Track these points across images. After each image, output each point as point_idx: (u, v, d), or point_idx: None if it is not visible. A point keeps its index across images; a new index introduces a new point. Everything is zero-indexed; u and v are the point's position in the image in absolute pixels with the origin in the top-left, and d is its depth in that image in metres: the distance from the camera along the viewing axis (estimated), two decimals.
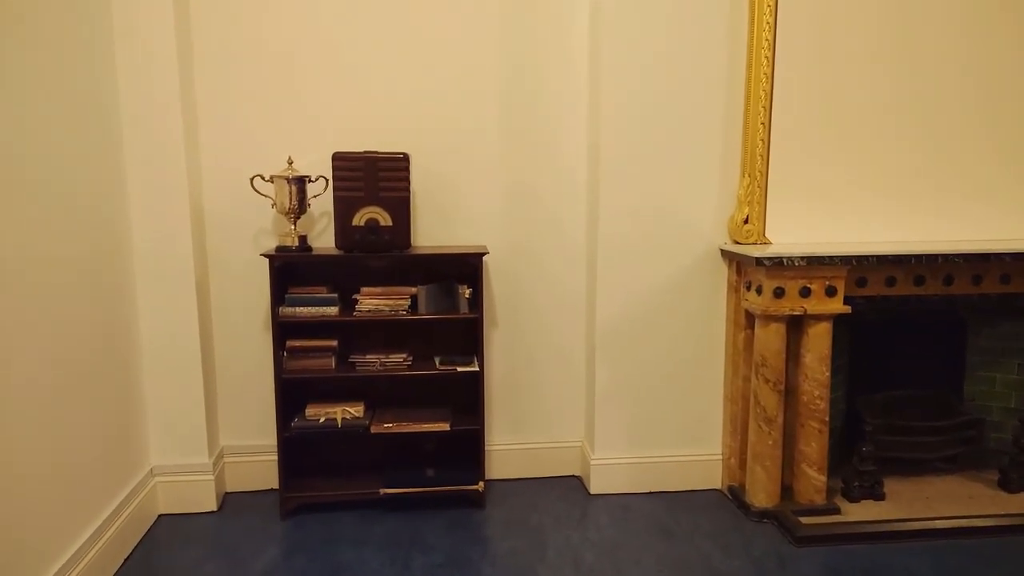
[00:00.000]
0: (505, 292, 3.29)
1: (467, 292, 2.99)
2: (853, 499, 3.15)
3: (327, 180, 2.96)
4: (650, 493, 3.28)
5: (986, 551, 2.76)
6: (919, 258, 2.91)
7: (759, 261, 2.82)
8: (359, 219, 2.83)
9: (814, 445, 3.02)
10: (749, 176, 3.06)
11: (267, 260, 2.84)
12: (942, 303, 3.12)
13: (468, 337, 3.12)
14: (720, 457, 3.31)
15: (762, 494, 3.03)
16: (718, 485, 3.32)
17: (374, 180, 2.82)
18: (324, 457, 3.21)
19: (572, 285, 3.33)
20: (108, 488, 2.66)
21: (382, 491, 2.99)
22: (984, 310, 3.26)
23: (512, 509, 3.11)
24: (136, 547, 2.79)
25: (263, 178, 2.92)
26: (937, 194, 3.24)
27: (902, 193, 3.22)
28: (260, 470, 3.22)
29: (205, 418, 3.02)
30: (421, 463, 3.17)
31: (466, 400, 3.18)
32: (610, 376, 3.20)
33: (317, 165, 2.99)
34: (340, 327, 3.07)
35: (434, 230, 3.21)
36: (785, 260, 2.82)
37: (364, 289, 2.97)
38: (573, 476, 3.45)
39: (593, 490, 3.25)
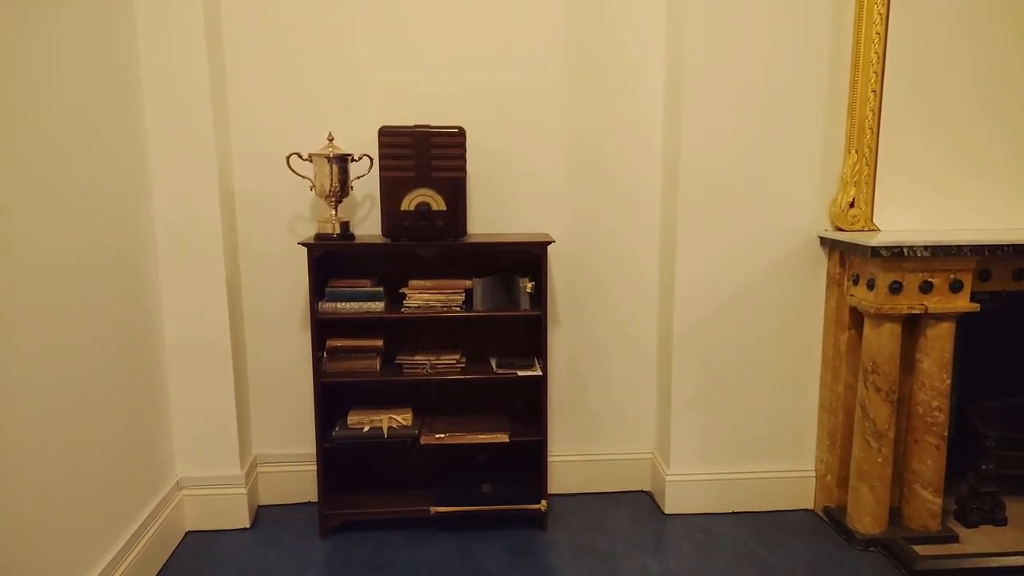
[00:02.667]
0: (569, 283, 2.92)
1: (529, 286, 2.62)
2: (970, 524, 2.74)
3: (371, 159, 2.61)
4: (733, 514, 2.89)
5: None
6: None
7: (874, 251, 2.40)
8: (408, 203, 2.48)
9: (930, 463, 2.60)
10: (856, 152, 2.64)
11: (305, 249, 2.50)
12: None
13: (529, 336, 2.77)
14: (814, 474, 2.91)
15: (868, 518, 2.63)
16: (811, 506, 2.93)
17: (426, 158, 2.46)
18: (368, 469, 2.88)
19: (646, 276, 2.94)
20: (130, 504, 2.37)
21: (433, 510, 2.65)
22: None
23: (578, 530, 2.75)
24: (161, 570, 2.50)
25: (301, 157, 2.58)
26: None
27: (1004, 177, 2.77)
28: (297, 481, 2.90)
29: (236, 425, 2.71)
30: (476, 476, 2.83)
31: (526, 407, 2.83)
32: (689, 380, 2.82)
33: (360, 142, 2.64)
34: (386, 325, 2.73)
35: (490, 214, 2.85)
36: (906, 250, 2.40)
37: (413, 282, 2.63)
38: (642, 492, 3.08)
39: (668, 509, 2.88)
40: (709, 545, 2.66)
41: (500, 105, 2.78)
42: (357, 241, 2.59)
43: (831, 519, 2.80)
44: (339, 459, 2.74)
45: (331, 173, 2.53)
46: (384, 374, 2.65)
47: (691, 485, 2.87)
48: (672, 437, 2.86)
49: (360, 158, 2.63)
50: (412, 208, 2.48)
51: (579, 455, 3.04)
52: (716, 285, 2.75)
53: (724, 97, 2.63)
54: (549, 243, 2.58)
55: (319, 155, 2.53)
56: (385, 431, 2.63)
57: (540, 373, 2.65)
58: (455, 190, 2.49)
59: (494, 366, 2.69)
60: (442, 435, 2.64)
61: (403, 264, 2.71)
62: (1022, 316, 2.82)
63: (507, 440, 2.66)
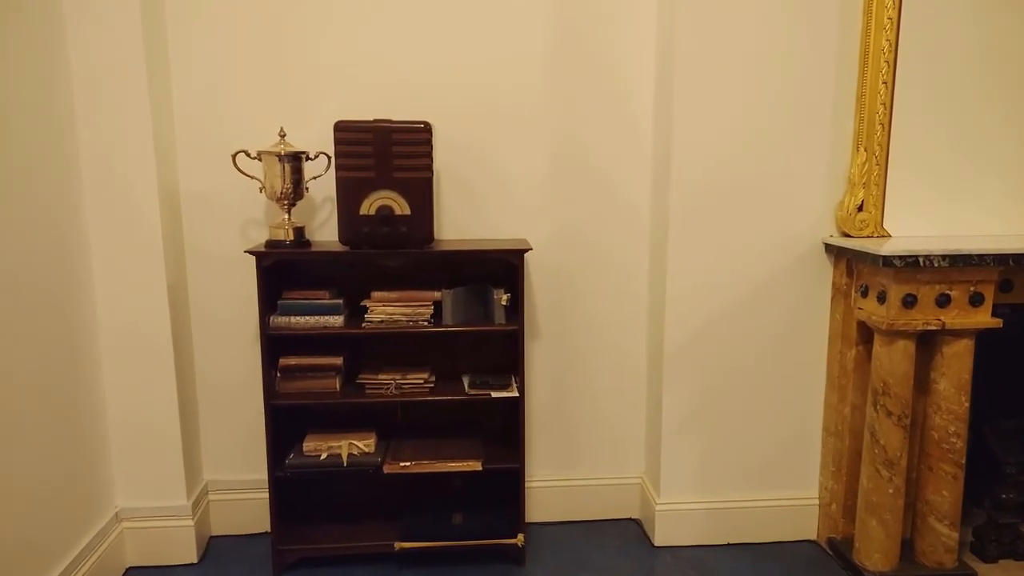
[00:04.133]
0: (550, 294, 2.67)
1: (504, 298, 2.37)
2: (989, 558, 2.51)
3: (329, 158, 2.35)
4: (729, 545, 2.65)
5: None
6: None
7: (887, 261, 2.16)
8: (368, 207, 2.22)
9: (946, 494, 2.36)
10: (866, 151, 2.39)
11: (254, 258, 2.25)
12: None
13: (505, 351, 2.51)
14: (817, 503, 2.66)
15: (877, 554, 2.38)
16: (814, 536, 2.68)
17: (387, 157, 2.21)
18: (327, 498, 2.62)
19: (635, 286, 2.69)
20: (60, 539, 2.13)
21: (397, 546, 2.40)
22: None
23: (559, 567, 2.50)
24: None
25: (249, 155, 2.32)
26: None
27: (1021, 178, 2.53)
28: (253, 509, 2.64)
29: (182, 450, 2.45)
30: (446, 505, 2.58)
31: (502, 429, 2.58)
32: (681, 400, 2.57)
33: (318, 139, 2.38)
34: (346, 341, 2.47)
35: (462, 218, 2.59)
36: (922, 259, 2.15)
37: (376, 294, 2.37)
38: (631, 520, 2.83)
39: (658, 541, 2.63)
40: None
41: (475, 98, 2.52)
42: (313, 249, 2.33)
43: (836, 552, 2.56)
44: (295, 488, 2.49)
45: (283, 173, 2.27)
46: (344, 395, 2.39)
47: (683, 515, 2.63)
48: (663, 462, 2.61)
49: (316, 156, 2.37)
50: (372, 212, 2.22)
51: (562, 480, 2.79)
52: (711, 296, 2.50)
53: (719, 90, 2.38)
54: (526, 251, 2.33)
55: (269, 153, 2.28)
56: (344, 459, 2.38)
57: (516, 394, 2.40)
58: (421, 192, 2.24)
59: (466, 386, 2.44)
60: (408, 463, 2.38)
61: (365, 274, 2.45)
62: None
63: (480, 468, 2.40)
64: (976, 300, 2.23)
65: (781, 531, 2.66)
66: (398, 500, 2.59)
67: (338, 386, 2.41)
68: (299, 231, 2.34)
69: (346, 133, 2.20)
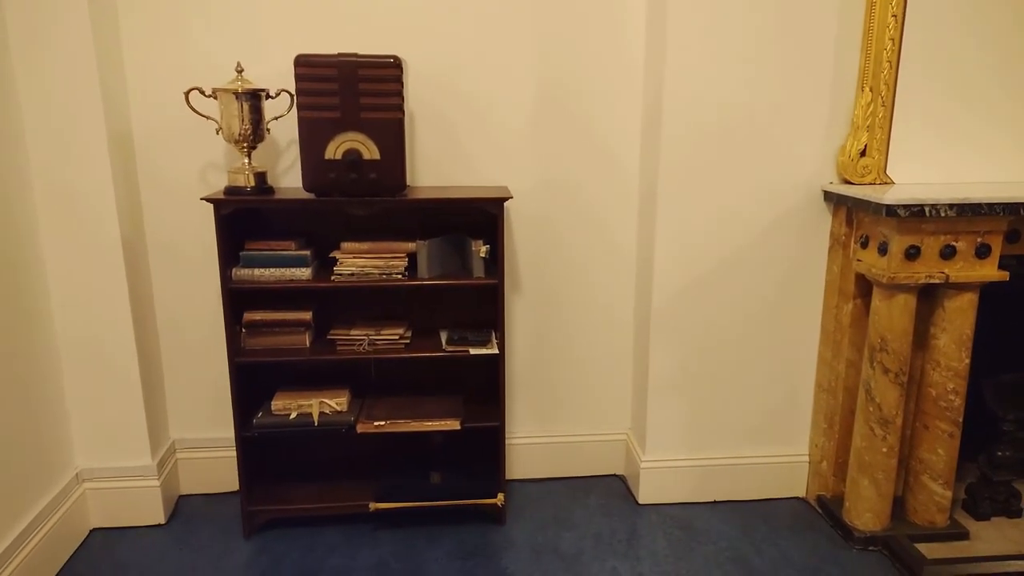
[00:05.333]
0: (532, 246, 2.52)
1: (483, 250, 2.22)
2: (981, 516, 2.44)
3: (292, 96, 2.16)
4: (715, 503, 2.57)
5: None
6: None
7: (890, 210, 2.01)
8: (334, 150, 2.05)
9: (941, 453, 2.28)
10: (871, 91, 2.22)
11: (212, 206, 2.08)
12: None
13: (485, 306, 2.38)
14: (807, 459, 2.58)
15: (868, 514, 2.31)
16: (803, 494, 2.61)
17: (354, 95, 2.03)
18: (299, 458, 2.53)
19: (622, 237, 2.55)
20: (17, 500, 2.02)
21: (372, 507, 2.30)
22: None
23: (541, 525, 2.42)
24: (60, 572, 2.15)
25: (203, 93, 2.13)
26: None
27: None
28: (223, 467, 2.54)
29: (144, 409, 2.33)
30: (424, 464, 2.48)
31: (482, 385, 2.47)
32: (669, 355, 2.45)
33: (278, 75, 2.19)
34: (316, 295, 2.34)
35: (438, 164, 2.42)
36: (928, 209, 2.01)
37: (345, 245, 2.22)
38: (615, 476, 2.75)
39: (642, 499, 2.56)
40: (688, 543, 2.34)
41: (452, 33, 2.32)
42: (276, 197, 2.17)
43: (825, 510, 2.49)
44: (265, 448, 2.39)
45: (241, 113, 2.09)
46: (314, 352, 2.26)
47: (669, 472, 2.54)
48: (649, 418, 2.52)
49: (278, 94, 2.19)
50: (339, 157, 2.05)
51: (545, 437, 2.70)
52: (702, 247, 2.37)
53: (714, 25, 2.19)
54: (507, 199, 2.17)
55: (225, 91, 2.09)
56: (316, 418, 2.26)
57: (496, 351, 2.27)
58: (391, 135, 2.06)
59: (444, 342, 2.31)
60: (382, 422, 2.27)
61: (334, 223, 2.30)
62: None
63: (459, 427, 2.29)
64: (983, 252, 2.10)
65: (769, 489, 2.59)
66: (374, 458, 2.50)
67: (308, 342, 2.28)
68: (260, 176, 2.17)
69: (307, 68, 2.01)
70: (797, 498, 2.61)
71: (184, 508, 2.50)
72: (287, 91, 2.18)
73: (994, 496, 2.45)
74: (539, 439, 2.69)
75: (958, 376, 2.21)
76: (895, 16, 2.16)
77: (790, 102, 2.26)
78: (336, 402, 2.29)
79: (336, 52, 2.04)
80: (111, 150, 2.13)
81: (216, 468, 2.56)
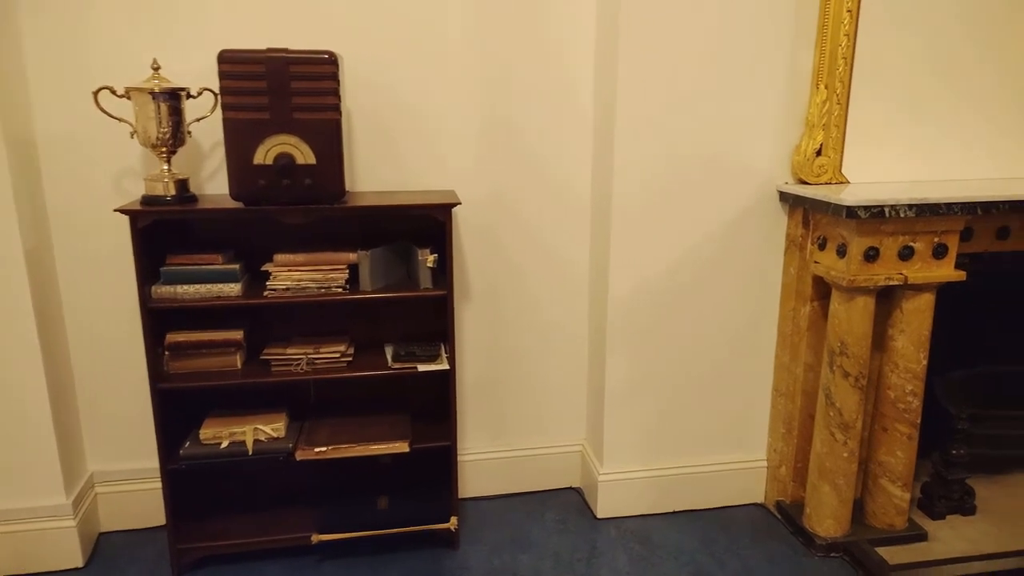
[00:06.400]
0: (483, 255, 2.39)
1: (430, 259, 2.08)
2: (937, 515, 2.44)
3: (216, 95, 1.97)
4: (675, 514, 2.50)
5: None
6: None
7: (851, 211, 1.96)
8: (264, 155, 1.88)
9: (900, 455, 2.26)
10: (826, 88, 2.17)
11: (128, 218, 1.88)
12: None
13: (433, 318, 2.24)
14: (766, 464, 2.53)
15: (829, 520, 2.27)
16: (761, 499, 2.56)
17: (285, 94, 1.85)
18: (234, 488, 2.34)
19: (576, 241, 2.44)
20: None
21: (315, 538, 2.14)
22: None
23: (497, 547, 2.30)
24: None
25: (115, 93, 1.92)
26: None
27: (992, 113, 2.36)
28: (148, 501, 2.32)
29: (56, 441, 2.11)
30: (371, 490, 2.33)
31: (432, 402, 2.33)
32: (624, 366, 2.36)
33: (201, 73, 1.99)
34: (248, 312, 2.15)
35: (381, 169, 2.26)
36: (888, 209, 1.97)
37: (279, 257, 2.04)
38: (571, 489, 2.65)
39: (601, 513, 2.46)
40: (649, 558, 2.25)
41: (391, 31, 2.16)
42: (200, 206, 1.97)
43: (784, 516, 2.44)
44: (194, 479, 2.18)
45: (158, 114, 1.89)
46: (247, 375, 2.08)
47: (627, 484, 2.46)
48: (606, 429, 2.42)
49: (199, 93, 1.99)
50: (269, 161, 1.88)
51: (499, 452, 2.58)
52: (656, 253, 2.28)
53: (668, 23, 2.09)
54: (455, 205, 2.03)
55: (140, 90, 1.88)
56: (250, 446, 2.08)
57: (446, 366, 2.14)
58: (327, 137, 1.90)
59: (390, 358, 2.16)
60: (323, 448, 2.10)
61: (266, 233, 2.11)
62: (1001, 279, 2.47)
63: (407, 449, 2.15)
64: (940, 252, 2.08)
65: (728, 496, 2.53)
66: (317, 485, 2.33)
67: (239, 364, 2.09)
68: (182, 184, 1.98)
69: (232, 65, 1.82)
70: (756, 504, 2.56)
71: (105, 547, 2.28)
72: (210, 90, 1.98)
73: (949, 495, 2.44)
74: (493, 454, 2.57)
75: (916, 378, 2.19)
76: (850, 11, 2.11)
77: (744, 101, 2.19)
78: (272, 428, 2.11)
79: (265, 47, 1.86)
80: (9, 157, 1.90)
81: (141, 502, 2.34)
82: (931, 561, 2.19)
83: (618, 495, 2.45)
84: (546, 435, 2.60)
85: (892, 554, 2.22)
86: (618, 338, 2.33)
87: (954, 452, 2.41)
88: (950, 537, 2.33)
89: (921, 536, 2.31)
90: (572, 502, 2.57)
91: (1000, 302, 2.65)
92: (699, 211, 2.26)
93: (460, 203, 2.07)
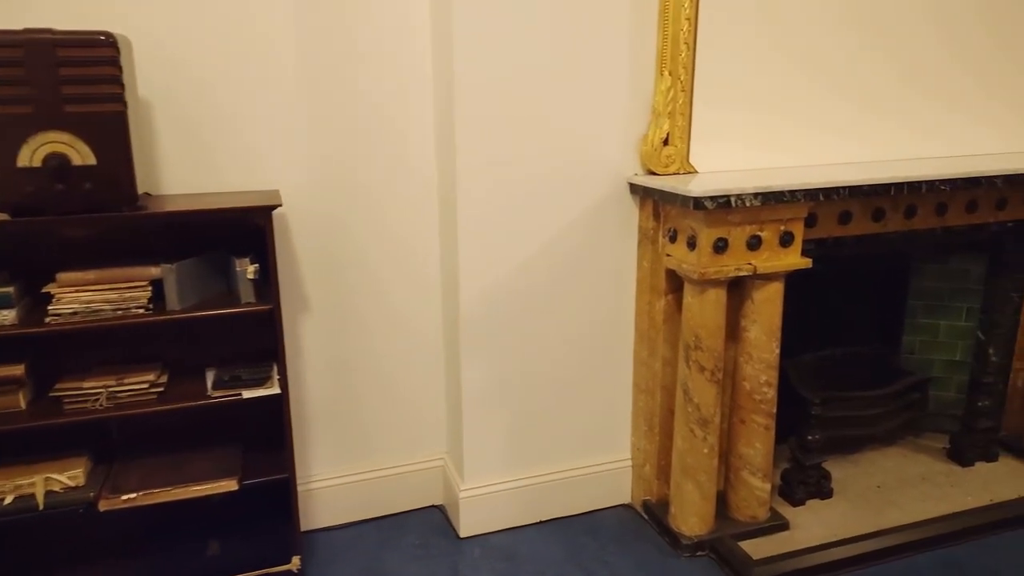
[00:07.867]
0: (322, 260, 2.17)
1: (251, 270, 1.84)
2: (797, 501, 2.45)
3: None
4: (541, 524, 2.38)
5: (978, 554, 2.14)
6: (899, 187, 2.12)
7: (698, 202, 1.89)
8: (31, 156, 1.57)
9: (759, 447, 2.24)
10: (670, 75, 2.10)
11: None
12: (900, 241, 2.39)
13: (263, 337, 1.99)
14: (630, 464, 2.46)
15: (694, 518, 2.22)
16: (628, 500, 2.49)
17: (52, 84, 1.56)
18: (26, 551, 2.00)
19: (423, 241, 2.26)
20: None
21: None
22: (929, 245, 2.57)
23: None
24: None
25: None
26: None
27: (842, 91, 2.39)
28: None
29: None
30: (199, 534, 2.06)
31: (267, 428, 2.08)
32: (481, 372, 2.21)
33: None
34: (29, 342, 1.82)
35: (190, 167, 1.98)
36: (734, 199, 1.91)
37: (63, 276, 1.74)
38: (433, 507, 2.47)
39: (464, 531, 2.30)
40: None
41: (200, 8, 1.89)
42: None
43: (651, 516, 2.38)
44: None
45: None
46: (33, 415, 1.76)
47: (490, 498, 2.31)
48: (465, 439, 2.26)
49: None
50: (38, 164, 1.58)
51: (353, 475, 2.36)
52: (508, 249, 2.14)
53: (504, 8, 1.95)
54: (275, 207, 1.80)
55: None
56: (40, 500, 1.77)
57: (277, 390, 1.90)
58: (110, 133, 1.62)
59: (210, 385, 1.90)
60: (133, 494, 1.82)
61: (46, 249, 1.80)
62: (844, 264, 2.51)
63: (236, 487, 1.90)
64: (786, 240, 2.06)
65: (595, 499, 2.44)
66: (134, 536, 2.03)
67: (23, 403, 1.77)
68: None
69: None
70: (623, 505, 2.48)
71: None
72: None
73: (807, 480, 2.46)
74: (347, 478, 2.35)
75: (770, 367, 2.17)
76: None
77: (588, 89, 2.08)
78: (68, 476, 1.81)
79: (22, 27, 1.56)
80: None
81: None
82: (794, 552, 2.17)
83: (481, 510, 2.30)
84: (405, 451, 2.41)
85: (756, 547, 2.20)
86: (472, 341, 2.18)
87: (810, 438, 2.43)
88: (811, 523, 2.35)
89: (783, 526, 2.31)
90: (434, 522, 2.40)
91: (844, 285, 2.72)
92: (551, 206, 2.14)
93: (280, 204, 1.84)
